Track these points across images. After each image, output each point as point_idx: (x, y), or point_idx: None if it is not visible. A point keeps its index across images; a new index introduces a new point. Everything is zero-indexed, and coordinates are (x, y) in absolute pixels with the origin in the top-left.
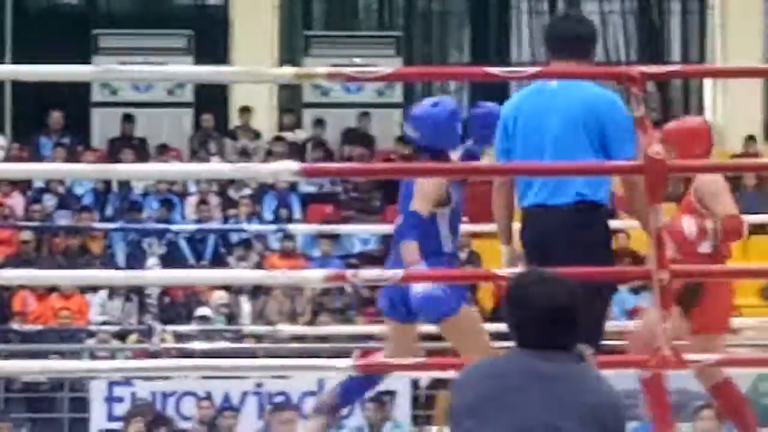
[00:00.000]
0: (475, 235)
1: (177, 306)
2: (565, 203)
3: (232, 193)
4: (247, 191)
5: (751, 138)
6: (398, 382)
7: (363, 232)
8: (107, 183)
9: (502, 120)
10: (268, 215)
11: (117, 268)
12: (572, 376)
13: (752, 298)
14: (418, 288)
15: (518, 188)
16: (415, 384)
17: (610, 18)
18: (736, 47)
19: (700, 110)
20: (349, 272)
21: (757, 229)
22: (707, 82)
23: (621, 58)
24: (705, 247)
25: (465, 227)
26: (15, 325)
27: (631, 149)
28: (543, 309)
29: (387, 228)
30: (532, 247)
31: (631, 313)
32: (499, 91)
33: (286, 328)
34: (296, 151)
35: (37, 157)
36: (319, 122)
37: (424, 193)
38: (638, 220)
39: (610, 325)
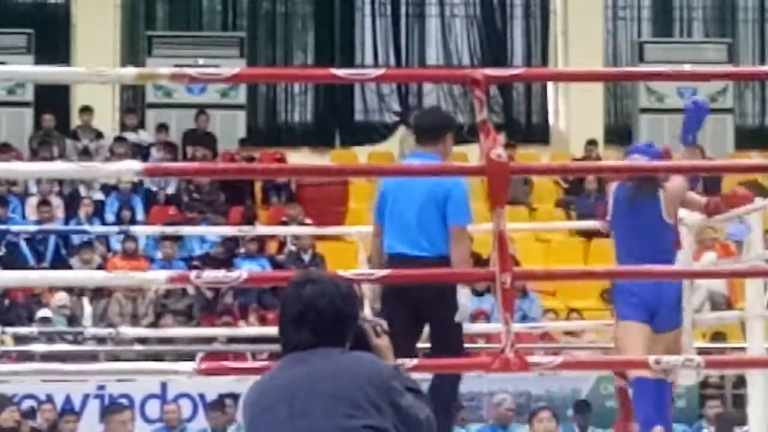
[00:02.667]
0: (320, 238)
1: (17, 308)
2: (433, 255)
3: (75, 193)
4: (93, 193)
5: (592, 142)
6: (243, 386)
7: (207, 233)
8: None
9: (381, 190)
10: (111, 216)
11: None
12: (337, 370)
13: (593, 300)
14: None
15: (388, 238)
16: None
17: (453, 23)
18: (578, 52)
19: (543, 115)
20: (192, 273)
21: (599, 233)
22: (550, 88)
23: (464, 62)
24: None
25: (309, 230)
26: None
27: (466, 215)
28: (296, 311)
29: (230, 230)
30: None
31: (474, 317)
32: (343, 94)
33: (129, 330)
34: (139, 152)
35: None
36: (162, 124)
37: None
38: None
39: None
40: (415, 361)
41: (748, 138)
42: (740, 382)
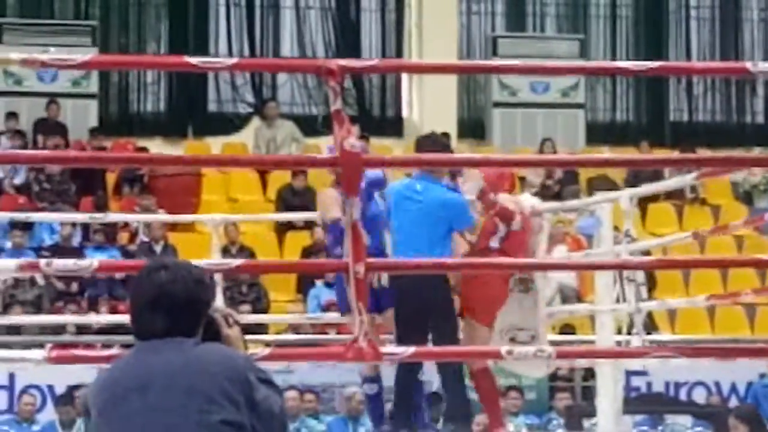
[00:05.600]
0: (172, 228)
1: None
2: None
3: None
4: None
5: (445, 135)
6: (93, 377)
7: (57, 221)
8: None
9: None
10: None
11: None
12: (192, 363)
13: None
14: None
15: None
16: None
17: (307, 14)
18: (432, 46)
19: (397, 107)
20: (42, 262)
21: None
22: (404, 81)
23: (319, 54)
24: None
25: (161, 218)
26: None
27: (470, 219)
28: (150, 296)
29: (81, 217)
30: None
31: (327, 308)
32: (196, 84)
33: None
34: None
35: None
36: (12, 113)
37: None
38: None
39: (306, 318)
40: (266, 352)
41: (599, 133)
42: (589, 374)
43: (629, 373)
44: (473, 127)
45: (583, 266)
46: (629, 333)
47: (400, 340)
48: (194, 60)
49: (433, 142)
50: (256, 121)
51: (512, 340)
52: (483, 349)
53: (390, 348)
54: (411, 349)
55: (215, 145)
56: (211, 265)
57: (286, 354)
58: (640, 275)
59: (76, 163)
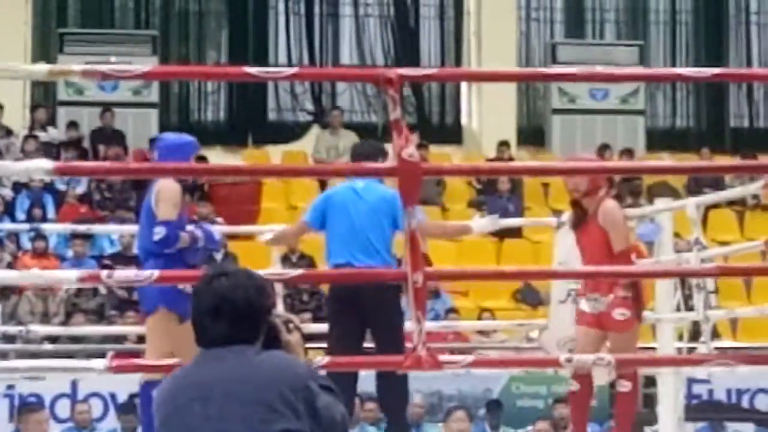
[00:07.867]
0: (232, 237)
1: None
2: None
3: None
4: (3, 191)
5: (504, 143)
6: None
7: (116, 232)
8: None
9: (321, 201)
10: (21, 215)
11: None
12: (253, 372)
13: (505, 300)
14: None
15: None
16: None
17: (366, 22)
18: (491, 53)
19: (456, 115)
20: (103, 273)
21: (511, 233)
22: (463, 88)
23: (378, 62)
24: None
25: (222, 228)
26: None
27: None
28: (212, 303)
29: (138, 230)
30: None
31: None
32: (256, 93)
33: (39, 329)
34: (50, 150)
35: None
36: (72, 122)
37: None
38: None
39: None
40: (326, 359)
41: (659, 139)
42: (650, 382)
43: (691, 381)
44: (533, 134)
45: (643, 274)
46: (692, 341)
47: (332, 352)
48: (253, 70)
49: (371, 146)
50: (315, 129)
51: (571, 351)
52: (544, 358)
53: (449, 357)
54: (469, 358)
55: (275, 153)
56: (271, 275)
57: (345, 362)
58: (710, 283)
59: (137, 175)
